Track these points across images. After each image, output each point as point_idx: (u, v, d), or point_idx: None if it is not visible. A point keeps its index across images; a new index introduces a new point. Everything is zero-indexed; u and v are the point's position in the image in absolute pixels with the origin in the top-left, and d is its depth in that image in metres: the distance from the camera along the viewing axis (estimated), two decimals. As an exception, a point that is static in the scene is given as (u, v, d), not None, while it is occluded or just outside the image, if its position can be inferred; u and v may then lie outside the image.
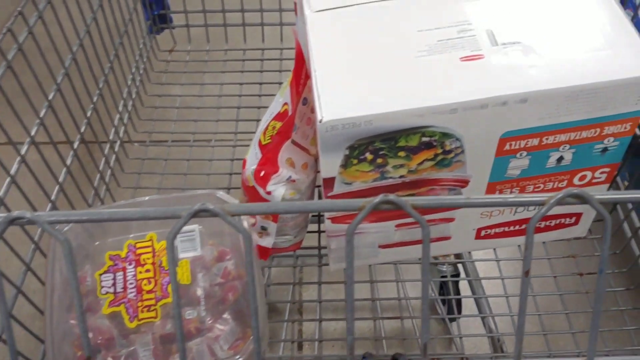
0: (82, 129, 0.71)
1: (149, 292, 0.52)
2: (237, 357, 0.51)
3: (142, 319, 0.51)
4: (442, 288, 1.28)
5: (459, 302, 1.29)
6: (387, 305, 1.15)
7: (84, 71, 0.69)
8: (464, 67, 0.57)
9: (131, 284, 0.53)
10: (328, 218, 0.67)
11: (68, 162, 0.68)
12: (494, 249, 0.81)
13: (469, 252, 1.18)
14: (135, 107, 0.85)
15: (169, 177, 0.82)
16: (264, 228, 0.71)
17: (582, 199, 0.33)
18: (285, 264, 1.12)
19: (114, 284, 0.52)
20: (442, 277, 1.27)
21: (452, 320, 1.29)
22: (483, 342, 1.31)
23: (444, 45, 0.59)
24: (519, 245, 0.79)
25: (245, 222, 0.72)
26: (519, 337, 0.35)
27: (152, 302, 0.52)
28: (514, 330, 0.73)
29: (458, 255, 1.23)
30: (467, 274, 1.21)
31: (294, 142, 0.66)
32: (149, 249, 0.54)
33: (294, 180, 0.66)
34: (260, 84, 0.92)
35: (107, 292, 0.52)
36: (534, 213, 0.71)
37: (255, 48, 0.95)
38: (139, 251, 0.54)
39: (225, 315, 0.56)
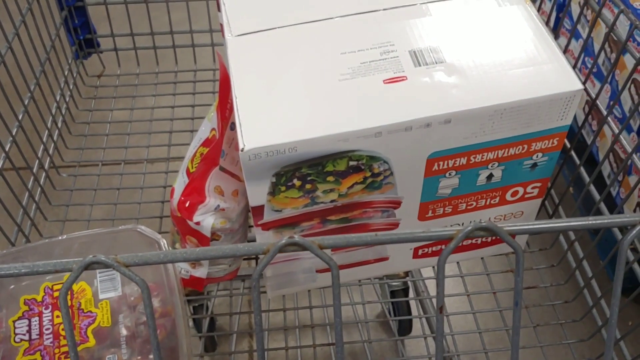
0: (0, 161, 0.68)
1: (65, 337, 0.49)
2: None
3: (60, 366, 0.48)
4: (393, 304, 1.27)
5: (409, 322, 1.29)
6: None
7: (0, 102, 0.66)
8: (387, 89, 0.56)
9: (47, 329, 0.50)
10: (260, 246, 0.65)
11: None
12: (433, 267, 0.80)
13: (419, 271, 1.17)
14: (61, 135, 0.82)
15: (99, 208, 0.79)
16: (196, 258, 0.69)
17: (491, 232, 0.32)
18: (221, 294, 1.10)
19: (29, 331, 0.50)
20: (392, 291, 1.26)
21: (402, 333, 1.28)
22: None
23: (367, 68, 0.58)
24: (457, 262, 0.79)
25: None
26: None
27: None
28: (455, 349, 0.72)
29: (407, 273, 1.23)
30: (417, 293, 1.21)
31: (222, 169, 0.64)
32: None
33: (223, 209, 0.64)
34: (193, 106, 0.90)
35: (21, 340, 0.49)
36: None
37: (188, 70, 0.93)
38: (56, 294, 0.52)
39: (152, 356, 0.54)
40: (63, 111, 0.82)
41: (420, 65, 0.58)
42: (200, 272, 0.70)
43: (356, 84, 0.57)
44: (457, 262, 0.78)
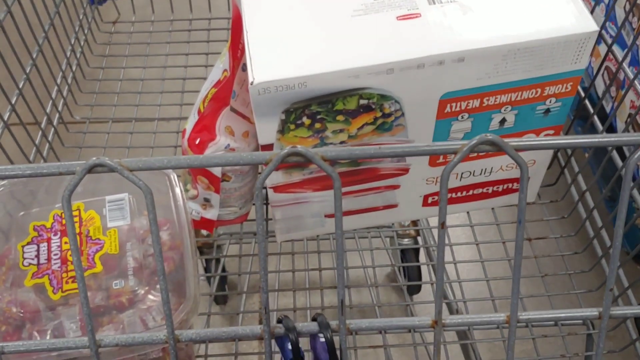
0: (14, 100, 0.68)
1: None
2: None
3: (67, 290, 0.49)
4: (402, 260, 1.27)
5: (419, 273, 1.29)
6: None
7: (7, 53, 0.66)
8: (400, 26, 0.56)
9: (55, 255, 0.50)
10: (270, 187, 0.65)
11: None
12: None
13: (427, 221, 1.17)
14: (71, 91, 0.82)
15: (112, 151, 0.79)
16: (206, 200, 0.69)
17: (496, 146, 0.32)
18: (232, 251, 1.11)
19: (37, 256, 0.50)
20: (402, 250, 1.27)
21: (411, 292, 1.28)
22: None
23: (380, 4, 0.57)
24: (467, 212, 0.78)
25: (190, 193, 0.71)
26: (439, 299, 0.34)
27: (78, 273, 0.50)
28: (462, 296, 0.72)
29: (415, 224, 1.23)
30: (425, 242, 1.21)
31: (233, 110, 0.64)
32: (76, 219, 0.52)
33: (233, 149, 0.64)
34: (207, 54, 0.89)
35: (29, 264, 0.50)
36: (482, 178, 0.70)
37: (202, 18, 0.93)
38: (65, 221, 0.52)
39: (159, 286, 0.54)
40: (73, 67, 0.82)
41: (434, 2, 0.57)
42: (211, 213, 0.71)
43: (369, 20, 0.56)
44: (467, 212, 0.78)
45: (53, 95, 0.76)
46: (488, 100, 0.59)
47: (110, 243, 0.51)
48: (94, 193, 0.54)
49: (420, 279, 1.28)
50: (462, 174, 0.68)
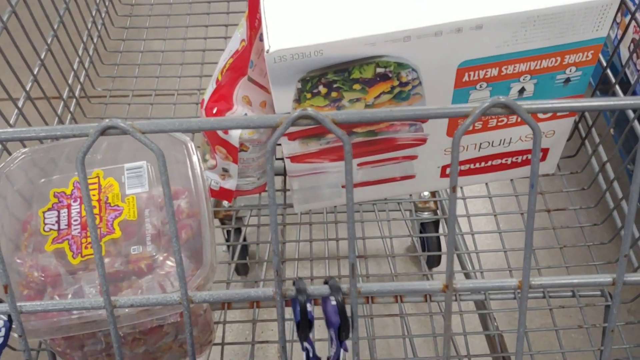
0: (36, 71, 0.69)
1: (94, 228, 0.51)
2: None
3: (86, 255, 0.50)
4: (422, 231, 1.27)
5: (438, 245, 1.29)
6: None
7: (40, 19, 0.67)
8: (417, -7, 0.55)
9: (75, 220, 0.51)
10: (287, 158, 0.65)
11: (12, 119, 0.66)
12: (464, 187, 0.79)
13: (446, 193, 1.16)
14: (97, 51, 0.82)
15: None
16: (225, 170, 0.70)
17: (509, 109, 0.32)
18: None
19: (57, 221, 0.51)
20: (422, 224, 1.27)
21: (430, 265, 1.29)
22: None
23: (398, -28, 0.56)
24: (486, 184, 0.78)
25: (209, 163, 0.71)
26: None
27: (97, 238, 0.50)
28: (480, 267, 0.72)
29: (436, 204, 1.22)
30: (444, 214, 1.20)
31: (250, 79, 0.64)
32: (95, 186, 0.53)
33: (250, 118, 0.64)
34: (227, 25, 0.89)
35: (50, 230, 0.51)
36: (501, 149, 0.70)
37: (222, -10, 0.93)
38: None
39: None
40: (95, 39, 0.82)
41: (452, -30, 0.56)
42: (230, 183, 0.71)
43: (386, -12, 0.56)
44: (486, 184, 0.77)
45: (75, 67, 0.77)
46: (507, 69, 0.59)
47: (129, 210, 0.52)
48: (114, 161, 0.55)
49: (439, 250, 1.28)
50: (480, 144, 0.68)
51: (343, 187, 0.70)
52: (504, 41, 0.56)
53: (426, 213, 1.23)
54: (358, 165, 0.68)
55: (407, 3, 0.54)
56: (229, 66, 0.63)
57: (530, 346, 0.64)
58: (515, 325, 0.70)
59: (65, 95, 0.74)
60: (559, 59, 0.59)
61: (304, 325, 0.36)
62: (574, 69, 0.60)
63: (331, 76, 0.56)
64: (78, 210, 0.52)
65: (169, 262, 0.55)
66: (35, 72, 0.69)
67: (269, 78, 0.55)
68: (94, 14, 0.82)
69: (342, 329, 0.37)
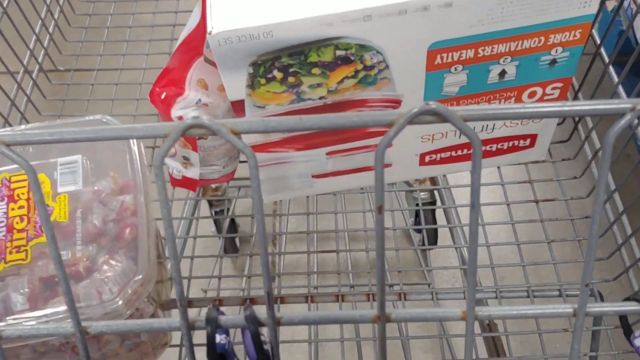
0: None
1: (20, 230, 0.46)
2: (117, 299, 0.46)
3: (10, 261, 0.46)
4: (417, 217, 1.21)
5: (434, 233, 1.24)
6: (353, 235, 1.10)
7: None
8: (380, -34, 0.49)
9: (1, 222, 0.47)
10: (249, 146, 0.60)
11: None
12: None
13: (445, 178, 1.10)
14: (59, 27, 0.77)
15: (95, 103, 0.75)
16: (185, 158, 0.65)
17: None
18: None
19: (-18, 223, 0.47)
20: (417, 205, 1.21)
21: (429, 242, 1.23)
22: (457, 275, 1.26)
23: (360, -58, 0.50)
24: (498, 167, 0.72)
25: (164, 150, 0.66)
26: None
27: (23, 242, 0.46)
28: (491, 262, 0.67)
29: (434, 182, 1.17)
30: (442, 202, 1.15)
31: (207, 60, 0.59)
32: (25, 183, 0.48)
33: (206, 104, 0.59)
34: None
35: (-28, 233, 0.46)
36: (485, 135, 0.64)
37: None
38: (13, 185, 0.48)
39: (119, 255, 0.51)
40: (56, 15, 0.77)
41: (421, -61, 0.50)
42: (193, 172, 0.66)
43: (345, -39, 0.50)
44: (498, 167, 0.71)
45: (31, 46, 0.72)
46: (484, 50, 0.53)
47: (60, 210, 0.47)
48: (46, 155, 0.50)
49: (436, 233, 1.23)
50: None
51: (314, 177, 0.65)
52: (479, 20, 0.50)
53: (423, 194, 1.18)
54: (327, 154, 0.62)
55: (368, -22, 0.49)
56: (178, 46, 0.57)
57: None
58: (518, 328, 0.65)
59: (19, 77, 0.69)
60: (542, 38, 0.53)
61: (213, 358, 0.32)
62: (560, 49, 0.54)
63: (285, 60, 0.50)
64: (5, 210, 0.47)
65: (109, 266, 0.50)
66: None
67: (216, 62, 0.50)
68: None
69: (260, 363, 0.32)
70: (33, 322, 0.44)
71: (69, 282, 0.31)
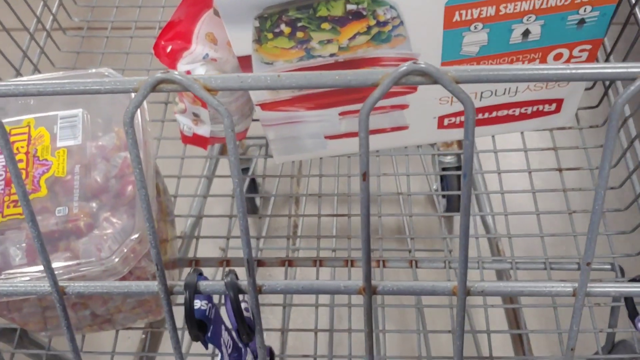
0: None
1: (18, 185, 0.46)
2: (113, 257, 0.45)
3: (8, 215, 0.45)
4: (443, 181, 1.18)
5: (458, 198, 1.20)
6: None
7: None
8: None
9: (0, 175, 0.46)
10: (257, 105, 0.58)
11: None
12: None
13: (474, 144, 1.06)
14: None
15: (109, 56, 0.73)
16: (195, 115, 0.63)
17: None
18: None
19: (-20, 176, 0.46)
20: (443, 169, 1.18)
21: (451, 209, 1.21)
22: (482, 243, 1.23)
23: None
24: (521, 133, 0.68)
25: (178, 106, 0.65)
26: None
27: (21, 196, 0.45)
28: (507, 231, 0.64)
29: (461, 145, 1.13)
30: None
31: (216, 13, 0.57)
32: (25, 136, 0.47)
33: (214, 59, 0.57)
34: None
35: (-30, 185, 0.46)
36: (506, 99, 0.61)
37: None
38: (12, 138, 0.47)
39: (120, 212, 0.50)
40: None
41: None
42: (203, 129, 0.65)
43: None
44: (522, 133, 0.68)
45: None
46: (505, 7, 0.50)
47: (58, 165, 0.46)
48: (47, 107, 0.49)
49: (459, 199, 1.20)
50: (482, 93, 0.59)
51: (326, 137, 0.63)
52: (500, -26, 0.47)
53: (449, 158, 1.15)
54: (340, 114, 0.60)
55: None
56: (193, -1, 0.55)
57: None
58: (547, 326, 0.63)
59: (32, 29, 0.68)
60: (570, -5, 0.49)
61: (191, 324, 0.30)
62: (589, 8, 0.51)
63: (293, 13, 0.48)
64: (3, 163, 0.47)
65: (109, 222, 0.49)
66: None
67: (221, 16, 0.48)
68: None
69: (240, 331, 0.31)
70: (27, 277, 0.43)
71: (43, 241, 0.30)
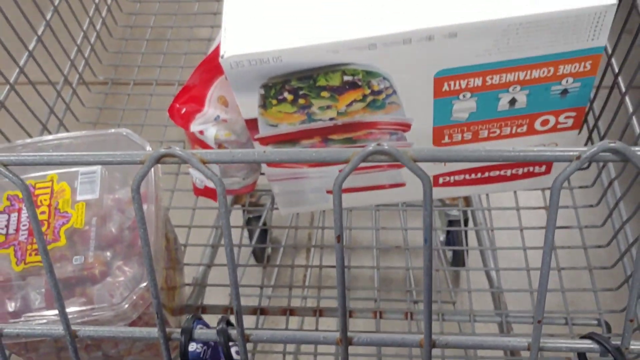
0: (22, 62, 0.69)
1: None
2: (123, 303, 0.49)
3: (29, 262, 0.49)
4: (449, 234, 1.21)
5: (462, 252, 1.23)
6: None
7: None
8: (388, -4, 0.51)
9: (24, 225, 0.51)
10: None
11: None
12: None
13: (479, 198, 1.09)
14: (100, 38, 0.82)
15: (130, 113, 0.79)
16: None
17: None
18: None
19: (7, 225, 0.51)
20: (449, 221, 1.21)
21: (456, 263, 1.23)
22: (485, 297, 1.25)
23: (370, -28, 0.52)
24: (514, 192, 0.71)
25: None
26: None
27: (42, 245, 0.50)
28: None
29: (468, 201, 1.16)
30: (474, 223, 1.15)
31: (228, 79, 0.62)
32: (48, 190, 0.52)
33: (225, 120, 0.62)
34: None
35: (-1, 234, 0.50)
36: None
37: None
38: (37, 192, 0.52)
39: (132, 262, 0.54)
40: (98, 26, 0.81)
41: (430, -30, 0.51)
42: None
43: (355, -10, 0.52)
44: (514, 192, 0.71)
45: (72, 56, 0.76)
46: (492, 79, 0.54)
47: (77, 217, 0.51)
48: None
49: (463, 253, 1.22)
50: (474, 154, 0.63)
51: (328, 192, 0.67)
52: (485, 50, 0.51)
53: (455, 211, 1.18)
54: (339, 171, 0.64)
55: (375, 7, 0.50)
56: (200, 64, 0.60)
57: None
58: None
59: (59, 85, 0.74)
60: (551, 69, 0.53)
61: (186, 368, 0.34)
62: (570, 79, 0.55)
63: (295, 83, 0.53)
64: (27, 215, 0.51)
65: (122, 271, 0.54)
66: (21, 64, 0.68)
67: (230, 84, 0.53)
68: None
69: (230, 376, 0.34)
70: (44, 320, 0.47)
71: (59, 288, 0.34)
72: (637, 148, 0.27)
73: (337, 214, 0.29)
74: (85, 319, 0.49)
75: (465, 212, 1.17)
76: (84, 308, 0.50)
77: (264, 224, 1.23)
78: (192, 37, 0.86)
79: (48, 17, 0.71)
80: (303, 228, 0.79)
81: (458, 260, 1.23)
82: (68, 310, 0.51)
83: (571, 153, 0.27)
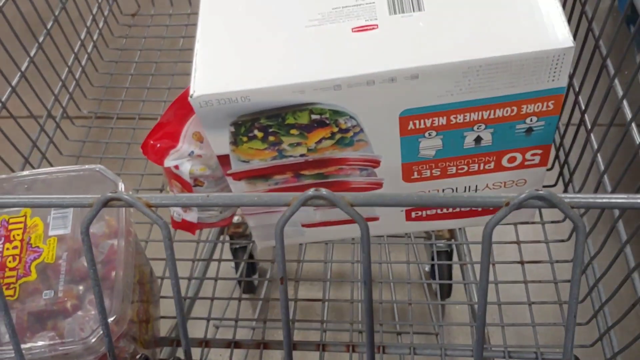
0: (4, 97, 0.70)
1: (11, 269, 0.51)
2: (90, 337, 0.50)
3: None
4: (433, 266, 1.22)
5: (449, 274, 1.23)
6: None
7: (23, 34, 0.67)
8: (353, 38, 0.52)
9: (-8, 261, 0.52)
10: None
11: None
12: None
13: (464, 233, 1.10)
14: (85, 73, 0.83)
15: (113, 146, 0.80)
16: (184, 203, 0.69)
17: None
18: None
19: (-24, 260, 0.52)
20: (432, 257, 1.21)
21: (441, 295, 1.23)
22: (467, 331, 1.25)
23: (338, 14, 0.54)
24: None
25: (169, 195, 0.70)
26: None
27: (13, 280, 0.51)
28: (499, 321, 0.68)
29: (452, 234, 1.17)
30: (459, 255, 1.15)
31: (203, 116, 0.63)
32: (21, 225, 0.53)
33: (200, 155, 0.63)
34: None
35: (-33, 269, 0.51)
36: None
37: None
38: (10, 227, 0.53)
39: (105, 295, 0.55)
40: (83, 62, 0.82)
41: (395, 12, 0.53)
42: (191, 216, 0.70)
43: (322, 31, 0.53)
44: (515, 225, 0.72)
45: (56, 91, 0.78)
46: (456, 118, 0.55)
47: (49, 252, 0.52)
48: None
49: (450, 280, 1.23)
50: (443, 190, 0.64)
51: (304, 226, 0.68)
52: (447, 91, 0.52)
53: (440, 242, 1.18)
54: (315, 207, 0.65)
55: (341, 49, 0.52)
56: (174, 102, 0.62)
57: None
58: None
59: (43, 120, 0.75)
60: (515, 108, 0.55)
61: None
62: (535, 118, 0.56)
63: (264, 121, 0.54)
64: (0, 249, 0.52)
65: (94, 303, 0.54)
66: (3, 98, 0.70)
67: (200, 122, 0.54)
68: (83, 36, 0.83)
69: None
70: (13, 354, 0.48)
71: (14, 326, 0.35)
72: (563, 195, 0.28)
73: (279, 256, 0.30)
74: (53, 354, 0.50)
75: (450, 245, 1.18)
76: (52, 342, 0.51)
77: (250, 255, 1.24)
78: (175, 72, 0.87)
79: (32, 53, 0.73)
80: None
81: (443, 292, 1.23)
82: (37, 344, 0.52)
83: (499, 200, 0.28)
